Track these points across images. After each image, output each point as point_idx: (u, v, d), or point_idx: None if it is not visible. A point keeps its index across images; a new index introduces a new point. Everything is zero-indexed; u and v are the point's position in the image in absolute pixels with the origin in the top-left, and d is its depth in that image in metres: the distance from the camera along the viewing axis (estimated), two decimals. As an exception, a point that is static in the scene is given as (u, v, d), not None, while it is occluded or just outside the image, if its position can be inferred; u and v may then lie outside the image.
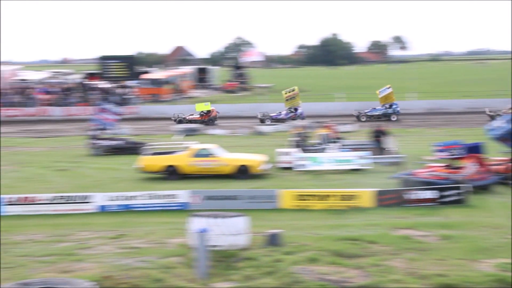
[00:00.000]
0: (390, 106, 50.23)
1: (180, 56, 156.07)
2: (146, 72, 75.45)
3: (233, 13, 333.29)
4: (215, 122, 50.60)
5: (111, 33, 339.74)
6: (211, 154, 28.20)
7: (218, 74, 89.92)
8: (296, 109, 50.73)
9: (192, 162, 28.02)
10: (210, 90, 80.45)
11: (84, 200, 22.72)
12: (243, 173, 27.79)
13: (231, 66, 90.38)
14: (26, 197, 22.61)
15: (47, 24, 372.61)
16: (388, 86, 51.18)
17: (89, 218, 21.60)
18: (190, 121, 50.42)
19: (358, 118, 49.85)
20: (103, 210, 22.61)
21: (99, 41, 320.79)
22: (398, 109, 50.48)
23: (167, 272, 15.51)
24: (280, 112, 50.98)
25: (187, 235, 17.35)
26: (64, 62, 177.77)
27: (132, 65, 71.07)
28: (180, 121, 50.30)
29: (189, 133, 43.31)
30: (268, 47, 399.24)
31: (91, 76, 73.31)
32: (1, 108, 58.49)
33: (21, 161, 34.13)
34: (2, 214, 22.20)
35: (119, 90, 63.37)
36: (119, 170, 30.65)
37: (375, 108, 50.70)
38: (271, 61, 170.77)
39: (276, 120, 50.09)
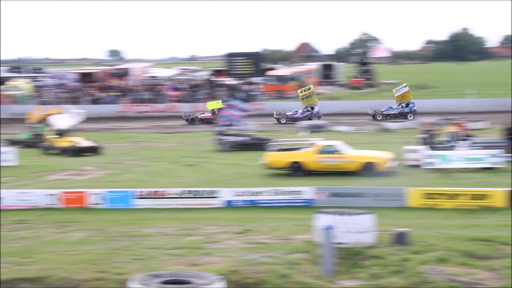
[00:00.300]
0: (407, 105, 49.71)
1: (305, 53, 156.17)
2: (271, 69, 75.89)
3: (359, 8, 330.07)
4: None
5: (238, 30, 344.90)
6: (336, 151, 27.97)
7: (343, 70, 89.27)
8: (312, 108, 50.10)
9: (317, 159, 27.88)
10: (335, 86, 79.99)
11: (211, 195, 23.06)
12: (369, 170, 27.38)
13: (357, 62, 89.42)
14: (156, 191, 23.20)
15: (176, 22, 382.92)
16: (404, 84, 50.38)
17: (216, 213, 21.89)
18: (202, 120, 50.83)
19: (374, 117, 49.51)
20: (230, 205, 22.86)
21: (226, 38, 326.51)
22: (415, 108, 49.82)
23: (292, 268, 15.48)
24: (296, 111, 50.58)
25: (312, 232, 17.25)
26: (192, 60, 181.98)
27: (258, 62, 71.69)
28: (192, 120, 50.57)
29: (315, 129, 43.19)
30: (395, 42, 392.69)
31: (218, 73, 74.57)
32: (132, 104, 60.56)
33: (150, 156, 35.12)
34: (133, 207, 22.88)
35: (245, 87, 64.10)
36: (244, 165, 30.96)
37: (391, 107, 50.11)
38: (398, 57, 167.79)
39: (292, 119, 49.72)
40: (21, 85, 66.53)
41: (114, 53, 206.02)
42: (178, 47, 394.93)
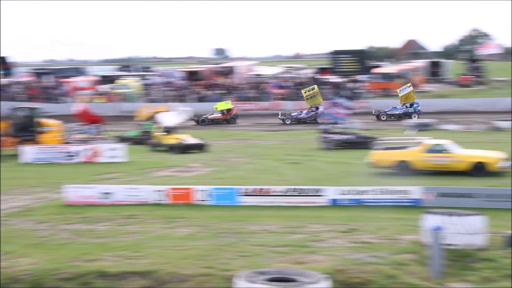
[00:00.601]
0: (411, 105, 49.57)
1: (412, 50, 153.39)
2: (377, 66, 74.95)
3: (469, 3, 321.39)
4: (237, 120, 51.07)
5: (343, 28, 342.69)
6: (445, 150, 27.29)
7: (451, 67, 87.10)
8: (317, 108, 49.85)
9: (425, 158, 27.29)
10: (443, 84, 78.17)
11: (316, 193, 22.89)
12: (479, 170, 26.57)
13: (466, 59, 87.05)
14: (261, 189, 23.23)
15: (281, 20, 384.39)
16: (408, 84, 50.00)
17: (321, 211, 21.69)
18: (213, 120, 50.84)
19: (378, 117, 49.84)
20: (335, 204, 22.64)
21: (331, 36, 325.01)
22: (419, 108, 49.63)
23: (399, 269, 15.18)
24: (301, 111, 50.81)
25: (420, 232, 16.87)
26: (296, 57, 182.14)
27: (363, 60, 70.93)
28: (202, 121, 50.19)
29: (422, 128, 42.34)
30: (507, 38, 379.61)
31: (323, 70, 74.26)
32: (237, 102, 61.11)
33: (255, 153, 35.31)
34: (238, 204, 22.99)
35: (350, 85, 63.56)
36: (349, 164, 30.67)
37: (395, 108, 49.89)
38: (511, 53, 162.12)
39: (297, 119, 49.64)
40: (130, 83, 68.37)
41: (220, 52, 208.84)
42: (283, 45, 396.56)
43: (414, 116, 49.21)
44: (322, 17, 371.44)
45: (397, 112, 49.94)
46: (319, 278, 12.50)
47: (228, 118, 51.62)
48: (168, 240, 18.05)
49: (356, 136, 36.52)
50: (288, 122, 50.41)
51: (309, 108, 50.99)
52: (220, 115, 51.94)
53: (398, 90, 50.97)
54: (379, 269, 15.05)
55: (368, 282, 14.56)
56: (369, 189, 22.71)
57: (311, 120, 50.22)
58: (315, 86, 52.70)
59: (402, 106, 50.27)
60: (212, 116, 52.03)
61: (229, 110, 52.02)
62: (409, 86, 50.47)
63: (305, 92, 51.15)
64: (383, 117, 50.29)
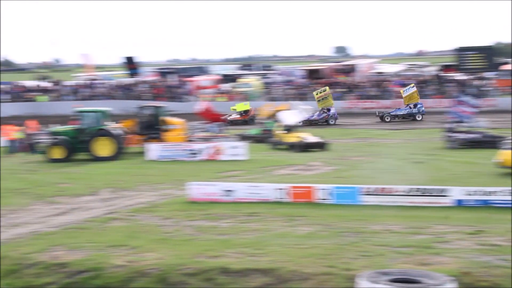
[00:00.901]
0: (415, 106, 49.29)
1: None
2: (505, 63, 72.41)
3: None
4: (255, 121, 50.01)
5: (468, 23, 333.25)
6: None
7: None
8: (329, 110, 49.76)
9: (557, 158, 26.04)
10: None
11: (441, 194, 22.25)
12: None
13: None
14: (383, 188, 22.85)
15: (403, 17, 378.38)
16: (412, 85, 49.18)
17: (446, 212, 21.04)
18: (232, 122, 49.49)
19: (382, 118, 49.35)
20: (460, 205, 21.94)
21: (455, 32, 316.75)
22: (423, 108, 49.29)
23: (530, 273, 14.52)
24: (313, 114, 49.72)
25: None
26: (419, 55, 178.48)
27: (490, 56, 68.65)
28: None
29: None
30: None
31: (447, 68, 72.46)
32: (358, 100, 60.57)
33: (377, 152, 34.83)
34: (359, 203, 22.69)
35: (477, 82, 61.65)
36: (476, 164, 29.71)
37: (399, 108, 49.39)
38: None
39: (309, 121, 48.37)
40: (251, 82, 69.11)
41: (340, 50, 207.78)
42: (405, 42, 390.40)
43: (418, 117, 49.35)
44: (446, 12, 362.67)
45: (401, 113, 49.85)
46: (445, 280, 12.16)
47: (247, 119, 51.46)
48: (289, 238, 18.05)
49: (482, 135, 35.35)
50: (300, 124, 50.14)
51: (320, 109, 50.71)
52: (238, 116, 51.97)
53: (401, 91, 50.43)
54: (509, 273, 14.45)
55: (497, 286, 14.01)
56: (497, 190, 21.84)
57: (323, 121, 50.12)
58: (327, 87, 52.26)
59: (406, 107, 50.07)
60: (231, 117, 51.94)
61: (246, 112, 52.05)
62: (413, 87, 50.07)
63: (317, 94, 50.71)
64: (387, 118, 50.22)
